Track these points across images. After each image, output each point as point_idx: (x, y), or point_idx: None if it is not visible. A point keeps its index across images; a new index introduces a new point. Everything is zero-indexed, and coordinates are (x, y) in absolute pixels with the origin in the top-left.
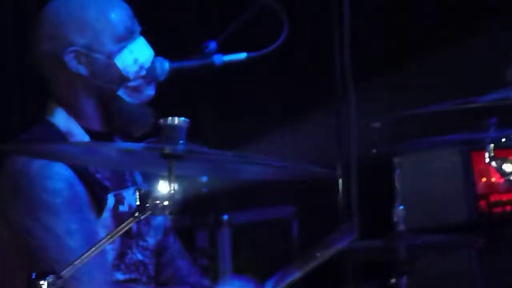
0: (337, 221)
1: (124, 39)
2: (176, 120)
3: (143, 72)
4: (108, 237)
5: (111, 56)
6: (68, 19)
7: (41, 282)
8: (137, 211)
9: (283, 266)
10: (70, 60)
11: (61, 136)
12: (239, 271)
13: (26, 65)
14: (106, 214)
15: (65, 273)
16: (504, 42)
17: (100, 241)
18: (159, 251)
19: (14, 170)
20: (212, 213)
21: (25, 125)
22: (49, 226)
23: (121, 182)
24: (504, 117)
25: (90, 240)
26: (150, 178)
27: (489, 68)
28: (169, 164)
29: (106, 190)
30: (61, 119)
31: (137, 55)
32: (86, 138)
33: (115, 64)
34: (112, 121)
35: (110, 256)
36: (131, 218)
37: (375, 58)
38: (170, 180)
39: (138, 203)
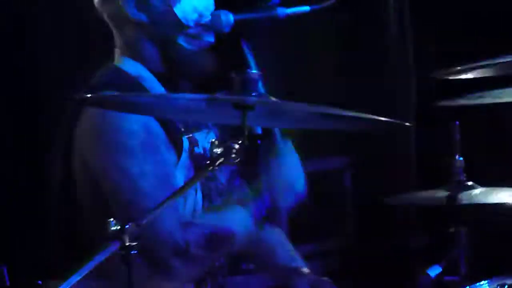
0: (393, 172)
1: None
2: (248, 72)
3: (203, 20)
4: (187, 184)
5: (170, 3)
6: None
7: (120, 230)
8: (214, 161)
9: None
10: (130, 8)
11: (132, 80)
12: (292, 220)
13: (89, 20)
14: (184, 155)
15: (144, 221)
16: None
17: (181, 188)
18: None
19: (92, 113)
20: None
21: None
22: (124, 167)
23: (193, 125)
24: None
25: (164, 183)
26: (219, 125)
27: None
28: (241, 114)
29: (181, 133)
30: (130, 65)
31: (196, 3)
32: (155, 81)
33: (173, 11)
34: (174, 67)
35: (199, 197)
36: (209, 167)
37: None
38: (242, 130)
39: (215, 153)
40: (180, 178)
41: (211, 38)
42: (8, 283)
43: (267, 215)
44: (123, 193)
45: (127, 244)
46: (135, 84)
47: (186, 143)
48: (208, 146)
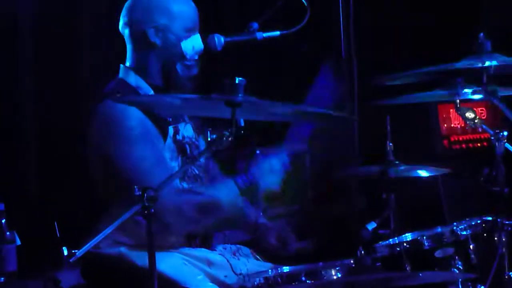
0: (342, 155)
1: (190, 31)
2: (236, 78)
3: (196, 57)
4: (188, 162)
5: (179, 39)
6: (157, 4)
7: (141, 195)
8: (211, 144)
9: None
10: (150, 32)
11: (131, 89)
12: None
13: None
14: (169, 140)
15: (159, 187)
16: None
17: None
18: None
19: (103, 112)
20: (248, 147)
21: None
22: (127, 153)
23: (176, 118)
24: (468, 77)
25: (158, 163)
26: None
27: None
28: (232, 110)
29: (168, 123)
30: (131, 77)
31: (194, 44)
32: (150, 91)
33: (180, 45)
34: (169, 83)
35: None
36: (208, 149)
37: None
38: (231, 122)
39: (211, 137)
40: (167, 157)
41: (195, 71)
42: (58, 235)
43: (248, 187)
44: (128, 173)
45: (147, 204)
46: (133, 92)
47: (171, 131)
48: (186, 134)
